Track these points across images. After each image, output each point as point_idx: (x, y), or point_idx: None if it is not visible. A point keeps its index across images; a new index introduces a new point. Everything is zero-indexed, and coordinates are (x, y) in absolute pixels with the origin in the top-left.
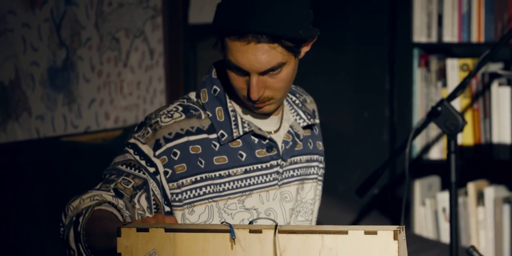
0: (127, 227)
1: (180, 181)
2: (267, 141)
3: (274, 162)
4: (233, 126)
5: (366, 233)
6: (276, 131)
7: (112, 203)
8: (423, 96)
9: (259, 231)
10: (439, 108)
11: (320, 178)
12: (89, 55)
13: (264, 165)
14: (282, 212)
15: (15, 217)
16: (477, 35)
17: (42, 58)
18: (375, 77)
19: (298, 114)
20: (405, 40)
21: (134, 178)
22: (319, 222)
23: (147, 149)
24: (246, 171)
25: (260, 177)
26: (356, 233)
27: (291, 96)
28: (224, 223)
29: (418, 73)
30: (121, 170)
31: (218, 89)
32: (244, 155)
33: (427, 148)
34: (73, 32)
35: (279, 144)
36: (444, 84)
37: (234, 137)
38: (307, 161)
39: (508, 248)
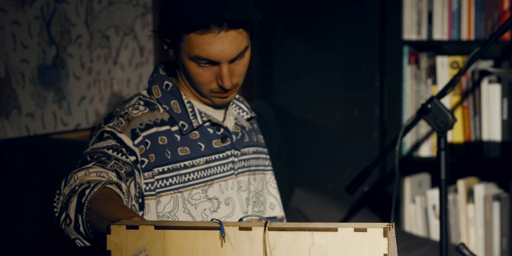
0: (117, 225)
1: (153, 170)
2: (221, 130)
3: (229, 152)
4: (191, 117)
5: (356, 230)
6: (222, 122)
7: (118, 185)
8: (413, 93)
9: (249, 229)
10: (429, 106)
11: (270, 168)
12: (79, 52)
13: (221, 155)
14: (239, 201)
15: (4, 216)
16: (467, 33)
17: (32, 55)
18: (365, 75)
19: (240, 108)
20: (395, 37)
21: (124, 164)
22: (309, 219)
23: (125, 138)
24: (207, 161)
25: (219, 167)
26: (346, 230)
27: None
28: (214, 220)
29: (408, 71)
30: (109, 154)
31: (170, 84)
32: (203, 145)
33: (417, 145)
34: (63, 30)
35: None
36: (434, 82)
37: (195, 127)
38: (254, 152)
39: (498, 245)
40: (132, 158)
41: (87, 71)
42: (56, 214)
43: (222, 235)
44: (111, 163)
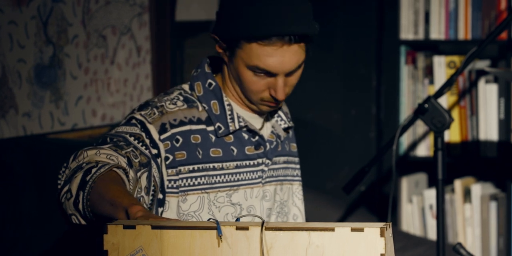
0: (113, 224)
1: (178, 168)
2: (256, 138)
3: (260, 160)
4: (229, 120)
5: (353, 230)
6: (259, 129)
7: (125, 171)
8: (410, 93)
9: (246, 228)
10: (426, 105)
11: (300, 178)
12: (76, 52)
13: (252, 162)
14: (260, 211)
15: (1, 216)
16: (464, 33)
17: (29, 55)
18: (362, 75)
19: (279, 116)
20: (392, 37)
21: (140, 154)
22: (306, 219)
23: (153, 130)
24: (237, 166)
25: (248, 174)
26: (343, 230)
27: None
28: (211, 220)
29: (405, 70)
30: (129, 141)
31: (213, 83)
32: (235, 150)
33: (414, 145)
34: (60, 30)
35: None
36: (431, 81)
37: (231, 131)
38: (285, 162)
39: (495, 245)
40: (154, 151)
41: (84, 71)
42: (59, 186)
43: (219, 235)
44: (127, 149)
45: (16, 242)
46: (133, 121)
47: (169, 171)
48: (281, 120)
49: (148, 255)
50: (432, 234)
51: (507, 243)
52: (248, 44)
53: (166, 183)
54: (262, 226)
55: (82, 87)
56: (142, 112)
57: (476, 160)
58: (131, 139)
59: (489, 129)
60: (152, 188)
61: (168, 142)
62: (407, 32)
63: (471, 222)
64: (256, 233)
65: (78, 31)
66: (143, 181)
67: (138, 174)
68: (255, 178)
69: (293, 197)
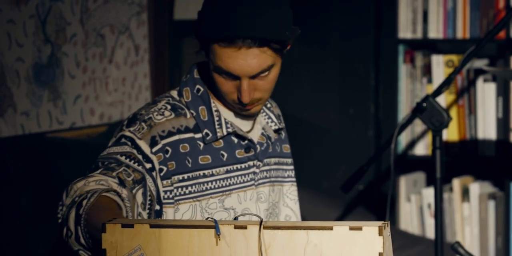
0: (112, 223)
1: (172, 178)
2: (246, 141)
3: (251, 163)
4: (216, 126)
5: (351, 229)
6: (248, 132)
7: (117, 192)
8: (408, 92)
9: (244, 227)
10: (424, 104)
11: (294, 179)
12: (74, 51)
13: (243, 166)
14: (257, 213)
15: None
16: (462, 31)
17: (27, 54)
18: (360, 74)
19: (269, 117)
20: (390, 36)
21: (134, 171)
22: (304, 218)
23: (144, 145)
24: (227, 171)
25: (239, 177)
26: (341, 229)
27: None
28: (209, 219)
29: (403, 69)
30: (120, 161)
31: (201, 89)
32: (226, 155)
33: (412, 144)
34: (58, 28)
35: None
36: (429, 80)
37: (218, 137)
38: (276, 163)
39: (493, 244)
40: (148, 165)
41: (82, 70)
42: (59, 224)
43: (217, 234)
44: (119, 170)
45: (12, 243)
46: (123, 140)
47: (164, 182)
48: (272, 122)
49: (147, 254)
50: (431, 233)
51: (505, 242)
52: (212, 45)
53: (162, 194)
54: (260, 225)
55: (81, 86)
56: (131, 128)
57: (475, 159)
58: (122, 158)
59: (487, 128)
60: (148, 202)
61: (161, 154)
62: (405, 31)
63: (469, 221)
64: (254, 232)
65: (76, 30)
66: (139, 198)
67: (134, 191)
68: (248, 181)
69: (284, 198)
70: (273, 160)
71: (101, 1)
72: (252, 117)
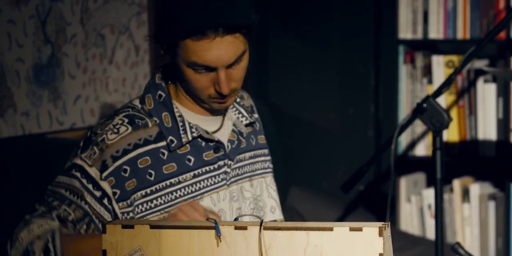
0: (112, 224)
1: (132, 197)
2: (214, 143)
3: (221, 163)
4: (181, 132)
5: (351, 229)
6: (217, 130)
7: (59, 233)
8: (408, 92)
9: (244, 228)
10: (425, 105)
11: (270, 170)
12: (75, 51)
13: (212, 167)
14: (230, 212)
15: None
16: (462, 32)
17: (27, 54)
18: (361, 74)
19: (240, 112)
20: (391, 36)
21: (75, 209)
22: (304, 218)
23: (94, 172)
24: (195, 176)
25: (210, 179)
26: (341, 229)
27: None
28: (209, 220)
29: (403, 70)
30: (64, 197)
31: (163, 95)
32: (192, 159)
33: (412, 144)
34: (59, 29)
35: (225, 143)
36: (430, 81)
37: (183, 143)
38: (251, 157)
39: (494, 244)
40: (98, 193)
41: (82, 70)
42: None
43: (218, 235)
44: (59, 210)
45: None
46: (73, 171)
47: (120, 204)
48: (242, 117)
49: (147, 255)
50: (431, 234)
51: (505, 242)
52: (183, 42)
53: (120, 216)
54: (260, 225)
55: (81, 87)
56: (83, 155)
57: (475, 159)
58: (67, 194)
59: (487, 129)
60: (98, 231)
61: (112, 178)
62: (405, 32)
63: (469, 222)
64: (254, 232)
65: (76, 30)
66: (83, 231)
67: (77, 227)
68: (219, 182)
69: (268, 190)
70: (248, 154)
71: (101, 2)
72: (221, 113)
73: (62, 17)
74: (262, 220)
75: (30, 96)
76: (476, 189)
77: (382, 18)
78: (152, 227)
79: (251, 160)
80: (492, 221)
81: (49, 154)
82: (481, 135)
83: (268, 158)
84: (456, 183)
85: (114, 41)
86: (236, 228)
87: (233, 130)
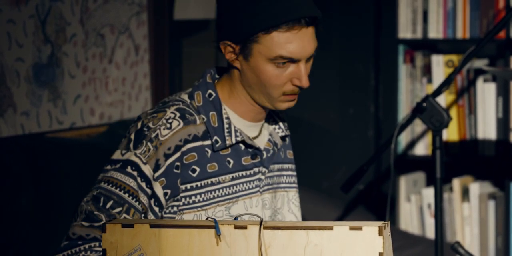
0: (112, 223)
1: (180, 188)
2: (253, 149)
3: (256, 169)
4: (226, 134)
5: (351, 229)
6: (256, 137)
7: None
8: (408, 92)
9: (244, 227)
10: (424, 104)
11: (296, 185)
12: (74, 51)
13: (248, 172)
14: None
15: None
16: (462, 31)
17: (27, 54)
18: (360, 73)
19: (277, 124)
20: (390, 36)
21: (134, 213)
22: (304, 218)
23: (148, 171)
24: (233, 178)
25: (245, 184)
26: (341, 229)
27: None
28: (209, 219)
29: (403, 69)
30: (123, 199)
31: (213, 94)
32: (232, 162)
33: (412, 144)
34: (58, 28)
35: (262, 151)
36: (429, 80)
37: (227, 145)
38: (278, 170)
39: (493, 244)
40: (149, 191)
41: (82, 69)
42: None
43: (218, 234)
44: (112, 211)
45: (12, 243)
46: (128, 169)
47: (169, 202)
48: (279, 128)
49: (147, 254)
50: (431, 233)
51: (505, 242)
52: (268, 35)
53: (165, 209)
54: (260, 225)
55: (80, 86)
56: (137, 151)
57: (475, 159)
58: (126, 196)
59: (487, 128)
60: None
61: (164, 178)
62: (405, 31)
63: (469, 221)
64: (254, 232)
65: (76, 30)
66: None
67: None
68: (253, 188)
69: (289, 204)
70: (276, 166)
71: (101, 1)
72: (261, 121)
73: (62, 17)
74: (262, 219)
75: (30, 95)
76: (475, 188)
77: (382, 18)
78: (152, 226)
79: (277, 173)
80: (491, 221)
81: (49, 153)
82: (480, 135)
83: (295, 173)
84: (456, 183)
85: (114, 41)
86: (236, 227)
87: (269, 140)
